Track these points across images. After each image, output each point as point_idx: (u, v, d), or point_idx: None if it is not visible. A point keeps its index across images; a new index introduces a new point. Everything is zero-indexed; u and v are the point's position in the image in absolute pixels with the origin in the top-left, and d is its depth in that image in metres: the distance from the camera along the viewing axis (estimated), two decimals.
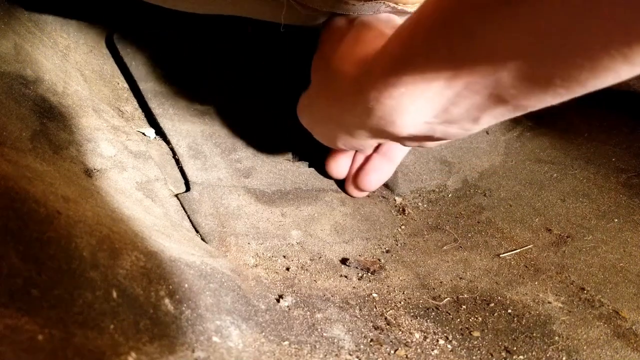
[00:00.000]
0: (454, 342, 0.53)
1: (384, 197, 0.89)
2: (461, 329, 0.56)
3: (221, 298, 0.46)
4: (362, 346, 0.50)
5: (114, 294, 0.37)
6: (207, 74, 0.85)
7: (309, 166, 0.87)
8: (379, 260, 0.70)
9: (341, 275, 0.65)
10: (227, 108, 0.84)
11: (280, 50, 0.95)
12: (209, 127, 0.80)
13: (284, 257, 0.67)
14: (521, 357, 0.51)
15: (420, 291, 0.63)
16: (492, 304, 0.60)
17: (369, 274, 0.66)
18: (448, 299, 0.61)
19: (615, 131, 0.95)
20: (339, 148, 0.69)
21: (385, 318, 0.56)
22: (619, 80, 0.31)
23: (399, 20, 0.60)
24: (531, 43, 0.32)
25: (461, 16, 0.36)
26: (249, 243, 0.67)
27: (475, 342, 0.53)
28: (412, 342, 0.52)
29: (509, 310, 0.58)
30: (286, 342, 0.46)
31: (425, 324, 0.56)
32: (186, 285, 0.44)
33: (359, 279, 0.65)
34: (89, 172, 0.57)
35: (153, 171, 0.68)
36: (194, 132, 0.78)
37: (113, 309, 0.36)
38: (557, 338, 0.54)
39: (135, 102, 0.80)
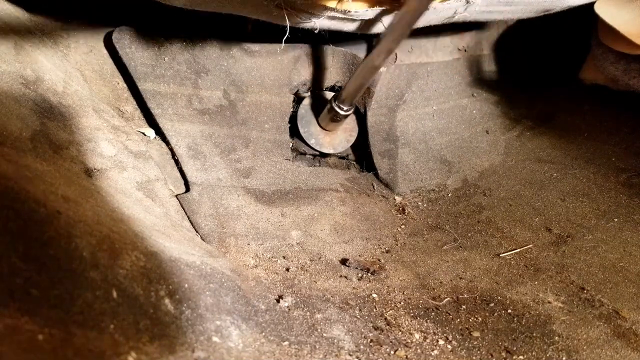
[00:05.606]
0: (454, 342, 0.53)
1: (384, 197, 0.89)
2: (461, 329, 0.55)
3: (221, 298, 0.46)
4: (362, 346, 0.50)
5: (114, 294, 0.37)
6: (207, 73, 0.85)
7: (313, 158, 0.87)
8: (379, 260, 0.70)
9: (341, 276, 0.65)
10: (226, 106, 0.84)
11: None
12: (208, 127, 0.80)
13: (284, 257, 0.67)
14: (521, 357, 0.51)
15: (420, 291, 0.63)
16: (492, 304, 0.60)
17: (369, 274, 0.66)
18: (448, 299, 0.61)
19: (615, 131, 0.95)
20: None
21: (385, 318, 0.56)
22: None
23: None
24: None
25: None
26: (248, 244, 0.67)
27: (475, 342, 0.53)
28: (412, 342, 0.52)
29: (509, 310, 0.58)
30: (286, 343, 0.46)
31: (425, 324, 0.56)
32: (186, 285, 0.44)
33: (358, 280, 0.65)
34: (89, 172, 0.57)
35: (153, 171, 0.68)
36: (193, 132, 0.78)
37: (113, 309, 0.36)
38: (557, 338, 0.54)
39: (135, 102, 0.80)
